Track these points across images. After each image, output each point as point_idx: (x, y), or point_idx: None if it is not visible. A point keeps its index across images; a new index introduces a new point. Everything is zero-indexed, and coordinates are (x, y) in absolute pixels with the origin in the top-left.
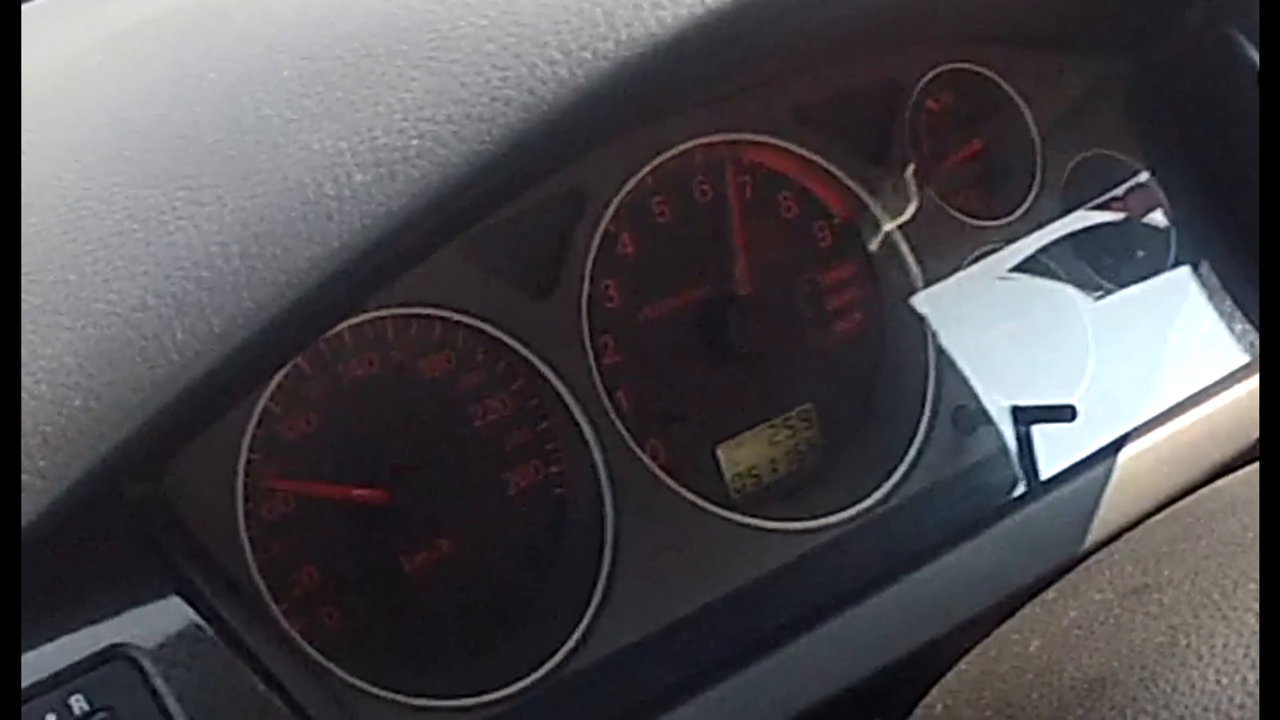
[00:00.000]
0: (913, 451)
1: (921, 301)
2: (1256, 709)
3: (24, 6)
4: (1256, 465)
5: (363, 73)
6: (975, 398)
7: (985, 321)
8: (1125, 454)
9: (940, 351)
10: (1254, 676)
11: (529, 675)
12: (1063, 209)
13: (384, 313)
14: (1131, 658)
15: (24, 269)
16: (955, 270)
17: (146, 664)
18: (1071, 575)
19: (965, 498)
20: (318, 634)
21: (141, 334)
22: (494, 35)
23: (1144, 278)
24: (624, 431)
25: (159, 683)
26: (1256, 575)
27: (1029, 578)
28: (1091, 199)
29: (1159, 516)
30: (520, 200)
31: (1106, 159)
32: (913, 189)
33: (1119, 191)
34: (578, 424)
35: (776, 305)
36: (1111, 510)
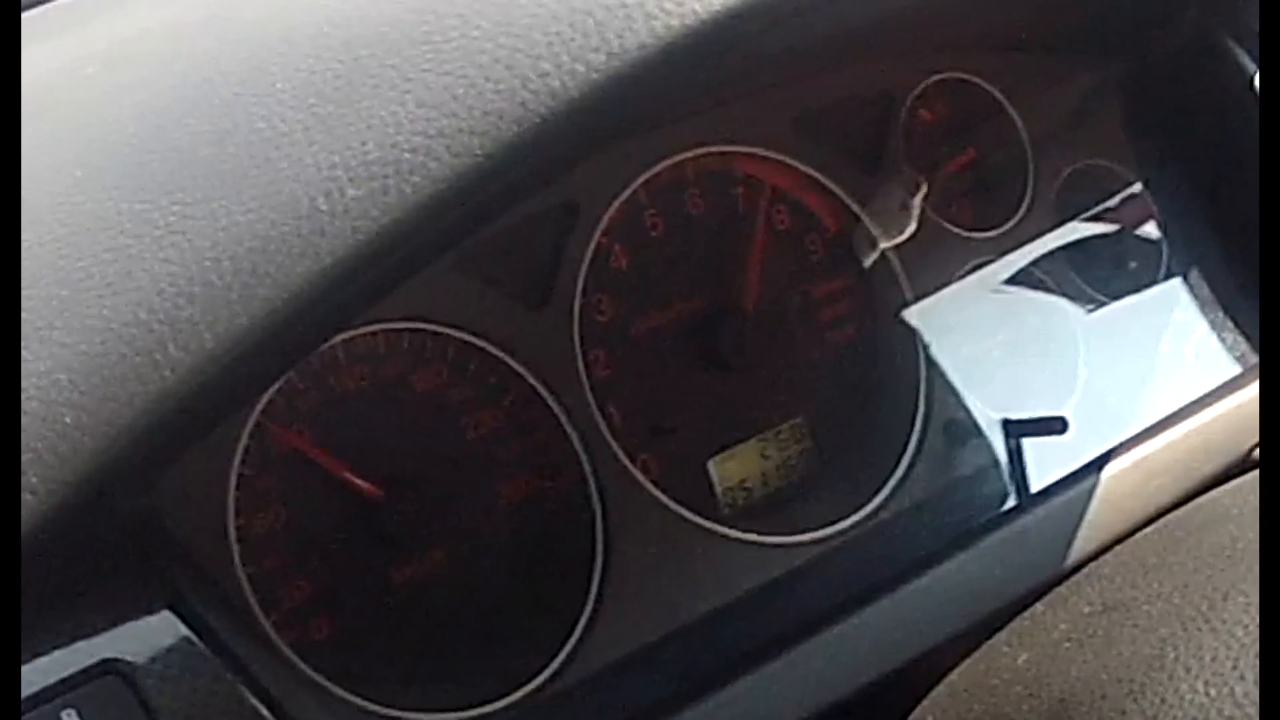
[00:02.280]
0: (904, 464)
1: (913, 314)
2: None
3: (22, 16)
4: (1246, 478)
5: (355, 86)
6: (966, 410)
7: (977, 334)
8: (1116, 467)
9: (932, 364)
10: (1242, 689)
11: (519, 689)
12: (1055, 220)
13: (376, 326)
14: (1120, 670)
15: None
16: (947, 282)
17: (138, 678)
18: (1061, 588)
19: (956, 510)
20: (309, 647)
21: (134, 349)
22: (486, 48)
23: (1136, 289)
24: (615, 445)
25: (151, 696)
26: (1245, 587)
27: (1019, 590)
28: (1084, 210)
29: (1148, 529)
30: (513, 213)
31: (1099, 170)
32: (913, 209)
33: (1112, 203)
34: (569, 437)
35: (768, 318)
36: (1101, 523)
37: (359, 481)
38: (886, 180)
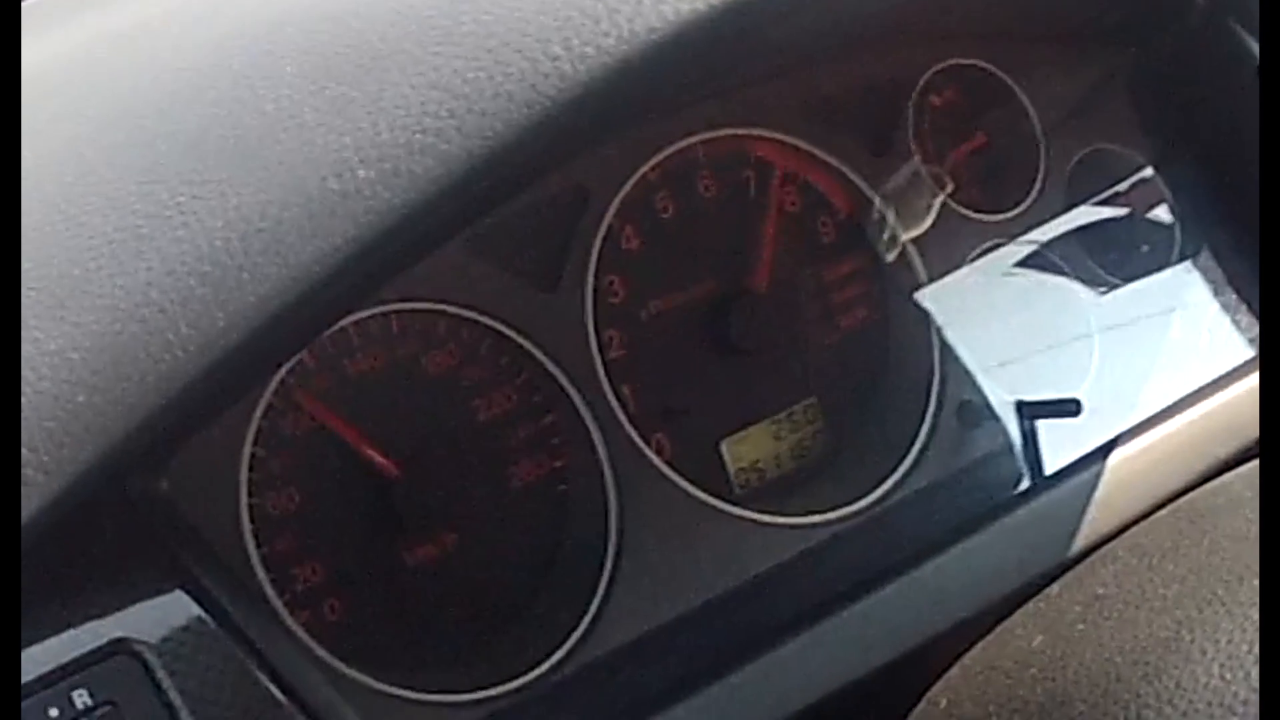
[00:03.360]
0: (917, 446)
1: (926, 296)
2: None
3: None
4: None
5: (366, 68)
6: (980, 392)
7: (990, 316)
8: (1129, 449)
9: (945, 346)
10: (1258, 671)
11: (532, 670)
12: (1066, 204)
13: (388, 308)
14: (1135, 653)
15: (27, 264)
16: (959, 265)
17: (150, 658)
18: (1075, 570)
19: (969, 493)
20: (320, 628)
21: (145, 329)
22: (497, 30)
23: (1148, 272)
24: (628, 426)
25: (162, 676)
26: (1260, 570)
27: (1033, 573)
28: (1095, 194)
29: (1163, 512)
30: (524, 196)
31: (1110, 154)
32: (935, 204)
33: (1123, 186)
34: (582, 418)
35: (781, 300)
36: (1116, 505)
37: (379, 458)
38: (909, 177)
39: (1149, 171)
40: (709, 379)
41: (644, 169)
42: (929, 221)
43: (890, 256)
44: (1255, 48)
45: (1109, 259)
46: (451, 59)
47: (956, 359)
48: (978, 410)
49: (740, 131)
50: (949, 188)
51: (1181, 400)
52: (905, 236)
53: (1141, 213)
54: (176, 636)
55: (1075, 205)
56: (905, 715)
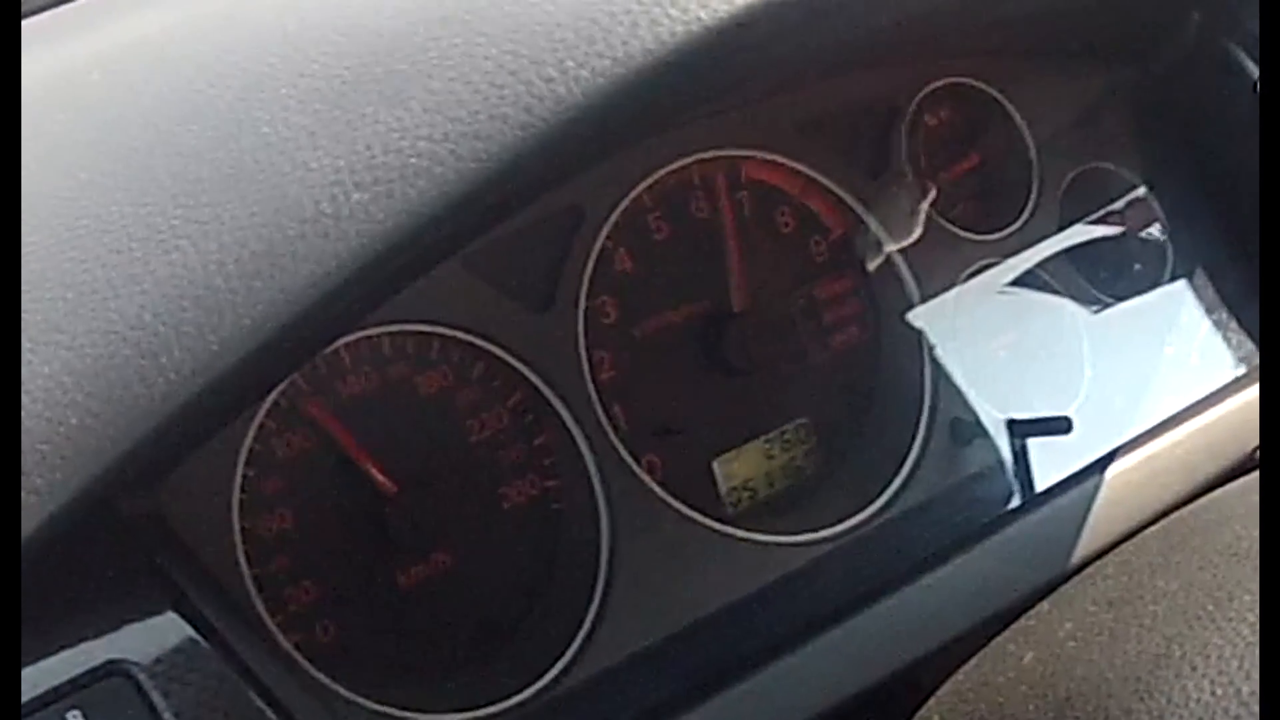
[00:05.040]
0: (909, 464)
1: (918, 315)
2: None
3: (24, 22)
4: (1250, 477)
5: (361, 91)
6: (971, 411)
7: (982, 335)
8: (1120, 466)
9: (936, 365)
10: (1248, 687)
11: (524, 689)
12: (1060, 223)
13: (381, 329)
14: (1126, 669)
15: (22, 287)
16: (952, 284)
17: (143, 679)
18: (1066, 587)
19: (961, 510)
20: (314, 648)
21: (139, 352)
22: (491, 53)
23: (1141, 291)
24: (620, 446)
25: (156, 698)
26: (1251, 586)
27: (1024, 590)
28: (1089, 213)
29: (1153, 528)
30: (518, 217)
31: (1103, 173)
32: (921, 213)
33: (1116, 205)
34: (574, 438)
35: (773, 320)
36: (1106, 522)
37: (376, 475)
38: (894, 184)
39: (1142, 190)
40: (701, 398)
41: (638, 190)
42: (916, 231)
43: (874, 264)
44: (1250, 67)
45: (1101, 277)
46: (445, 81)
47: (948, 377)
48: (969, 428)
49: (734, 152)
50: (932, 193)
51: (1172, 418)
52: (891, 247)
53: (1135, 231)
54: (169, 658)
55: (1069, 224)
56: None
